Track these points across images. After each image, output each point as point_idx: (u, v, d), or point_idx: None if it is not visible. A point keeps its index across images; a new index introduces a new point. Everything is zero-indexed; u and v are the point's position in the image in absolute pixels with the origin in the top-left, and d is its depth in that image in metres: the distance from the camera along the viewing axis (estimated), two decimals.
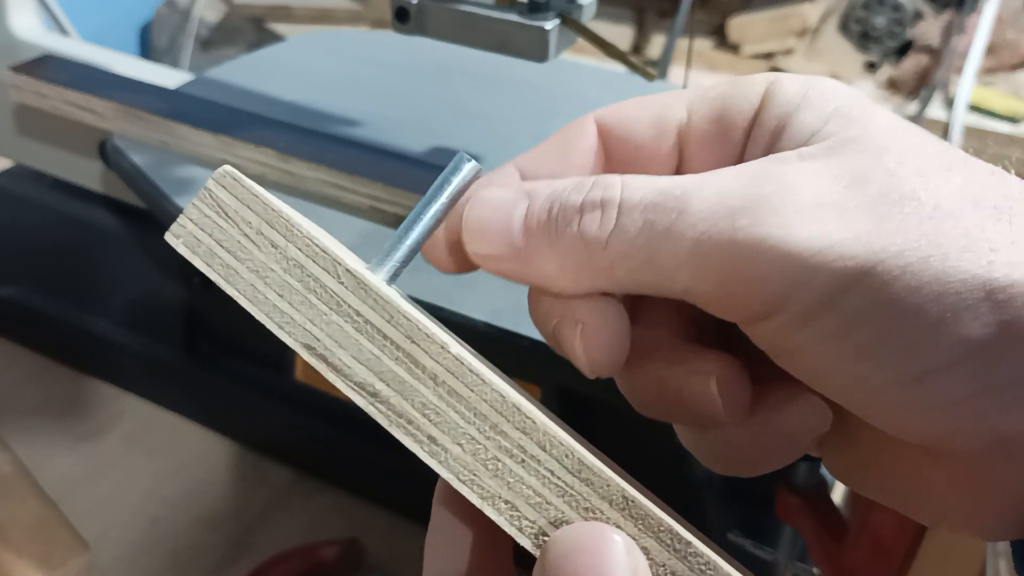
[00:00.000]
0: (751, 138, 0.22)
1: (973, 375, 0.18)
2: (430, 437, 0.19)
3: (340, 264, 0.19)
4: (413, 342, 0.19)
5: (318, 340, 0.19)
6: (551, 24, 0.50)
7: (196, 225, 0.20)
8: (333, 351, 0.19)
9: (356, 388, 0.19)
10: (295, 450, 0.68)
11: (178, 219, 0.20)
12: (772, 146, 0.22)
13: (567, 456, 0.18)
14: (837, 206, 0.18)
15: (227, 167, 0.20)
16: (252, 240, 0.20)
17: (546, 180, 0.22)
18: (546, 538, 0.18)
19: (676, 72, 0.59)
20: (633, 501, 0.18)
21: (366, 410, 0.19)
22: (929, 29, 1.51)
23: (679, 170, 0.24)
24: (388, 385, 0.19)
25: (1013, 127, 1.30)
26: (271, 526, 0.63)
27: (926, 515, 0.21)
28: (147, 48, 0.96)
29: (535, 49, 0.51)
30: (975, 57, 1.32)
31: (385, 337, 0.19)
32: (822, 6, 1.63)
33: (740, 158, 0.23)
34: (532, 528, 0.19)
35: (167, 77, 0.69)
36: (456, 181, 0.22)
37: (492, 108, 0.68)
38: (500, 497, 0.19)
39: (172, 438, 0.70)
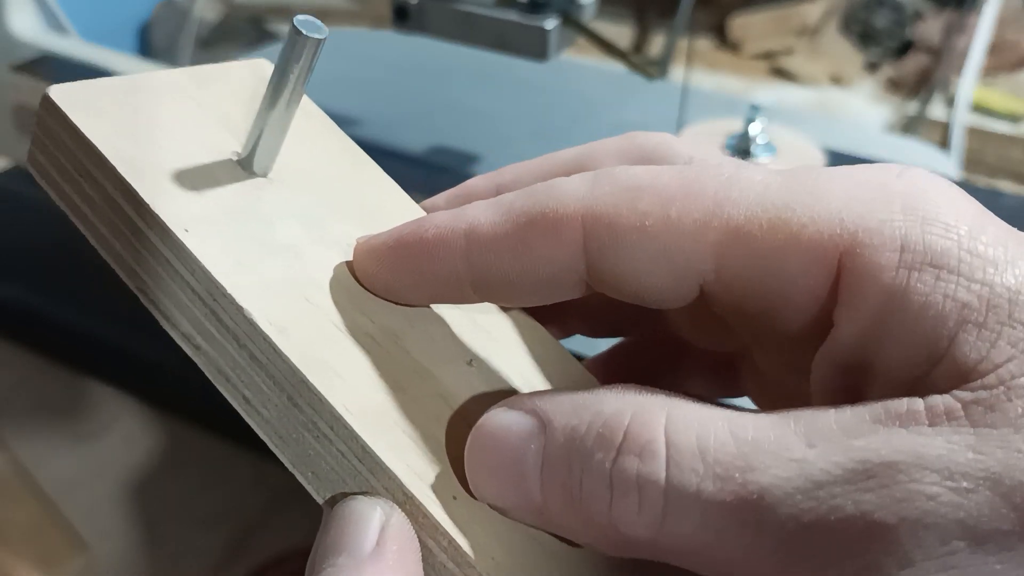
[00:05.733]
0: (814, 331, 0.18)
1: None
2: (244, 397, 0.18)
3: (144, 206, 0.18)
4: (213, 299, 0.18)
5: (147, 285, 0.19)
6: (551, 23, 0.50)
7: (39, 149, 0.20)
8: (159, 300, 0.19)
9: (183, 338, 0.19)
10: None
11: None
12: (859, 369, 0.17)
13: (353, 440, 0.18)
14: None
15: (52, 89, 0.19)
16: (81, 175, 0.19)
17: (562, 396, 0.18)
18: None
19: (676, 72, 0.59)
20: (413, 498, 0.17)
21: (195, 361, 0.19)
22: (930, 29, 1.51)
23: (702, 332, 0.23)
24: (205, 340, 0.18)
25: (1014, 127, 1.30)
26: (271, 526, 0.63)
27: None
28: (146, 47, 0.96)
29: (535, 48, 0.51)
30: (976, 57, 1.31)
31: (193, 290, 0.18)
32: (822, 6, 1.63)
33: (794, 352, 0.19)
34: (331, 501, 0.18)
35: None
36: (298, 68, 0.20)
37: (492, 108, 0.68)
38: (306, 466, 0.18)
39: (172, 438, 0.70)
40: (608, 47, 0.53)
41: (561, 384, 0.22)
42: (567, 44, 0.52)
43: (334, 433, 0.18)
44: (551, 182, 0.19)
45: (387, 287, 0.20)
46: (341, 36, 0.85)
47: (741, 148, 0.54)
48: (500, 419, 0.18)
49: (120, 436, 0.70)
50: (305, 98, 0.24)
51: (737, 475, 0.15)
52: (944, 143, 1.21)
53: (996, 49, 1.41)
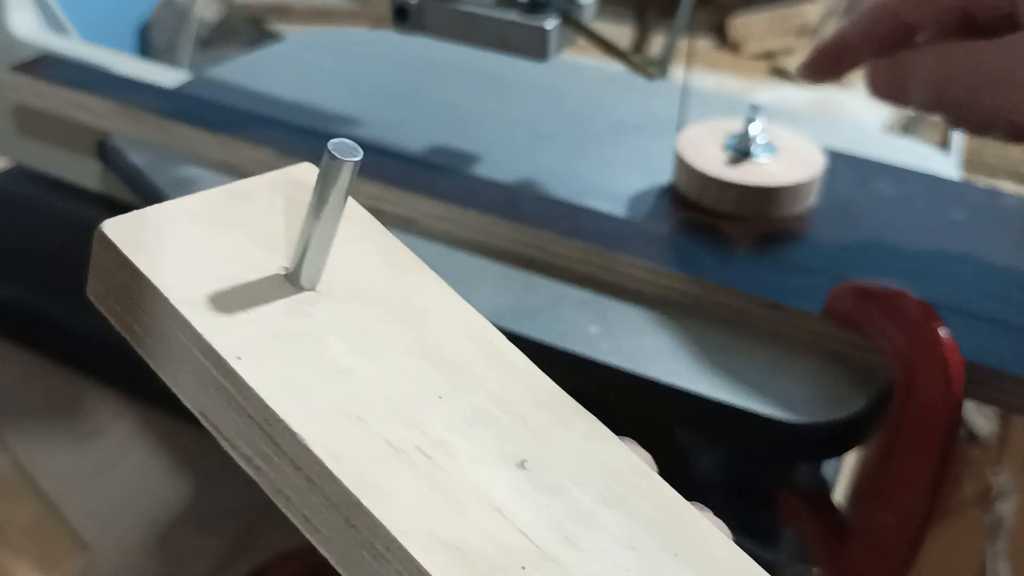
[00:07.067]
0: None
1: None
2: (304, 516, 0.19)
3: (197, 335, 0.19)
4: (268, 424, 0.19)
5: (208, 409, 0.19)
6: (551, 23, 0.50)
7: (97, 279, 0.21)
8: (219, 424, 0.19)
9: (244, 460, 0.19)
10: None
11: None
12: None
13: (409, 561, 0.18)
14: None
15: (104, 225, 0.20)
16: (137, 305, 0.20)
17: None
18: None
19: (676, 72, 0.59)
20: None
21: (256, 480, 0.19)
22: None
23: None
24: (264, 462, 0.19)
25: None
26: (271, 526, 0.63)
27: None
28: (146, 48, 0.96)
29: (535, 48, 0.51)
30: None
31: (250, 416, 0.19)
32: (822, 6, 1.63)
33: None
34: None
35: (166, 77, 0.69)
36: (335, 189, 0.20)
37: (492, 108, 0.68)
38: None
39: (172, 438, 0.70)
40: (608, 47, 0.53)
41: (612, 478, 0.23)
42: (567, 44, 0.53)
43: (390, 554, 0.18)
44: None
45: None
46: (341, 36, 0.85)
47: (741, 148, 0.54)
48: None
49: (120, 436, 0.70)
50: (351, 201, 0.24)
51: None
52: (944, 143, 1.21)
53: None
